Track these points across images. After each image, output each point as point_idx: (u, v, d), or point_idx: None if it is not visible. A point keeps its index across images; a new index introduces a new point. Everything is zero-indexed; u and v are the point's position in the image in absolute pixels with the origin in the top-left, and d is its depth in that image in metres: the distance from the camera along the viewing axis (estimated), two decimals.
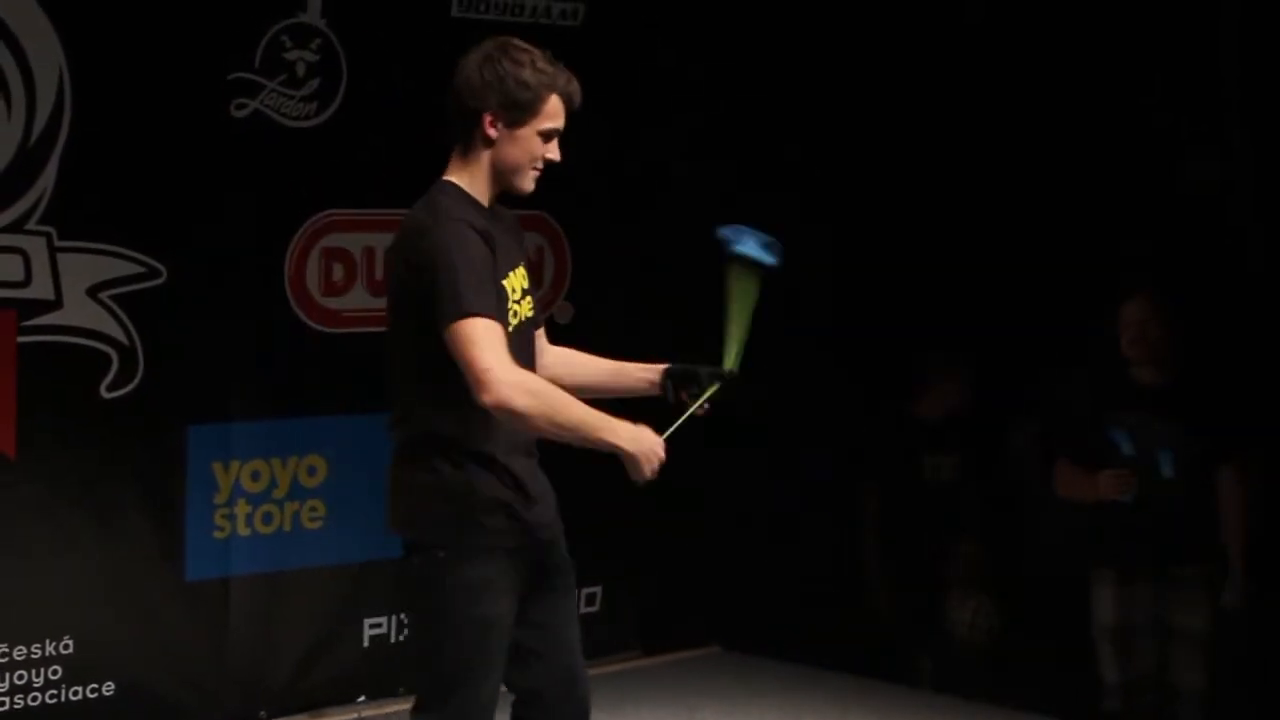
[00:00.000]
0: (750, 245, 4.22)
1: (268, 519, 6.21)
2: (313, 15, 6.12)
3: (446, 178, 4.14)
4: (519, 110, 4.06)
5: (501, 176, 4.11)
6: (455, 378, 3.95)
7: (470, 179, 4.12)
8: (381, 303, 6.20)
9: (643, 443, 4.00)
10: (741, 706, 6.54)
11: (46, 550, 5.76)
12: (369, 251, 6.38)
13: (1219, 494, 6.04)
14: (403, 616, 6.45)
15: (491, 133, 4.07)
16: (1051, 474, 6.33)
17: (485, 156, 4.10)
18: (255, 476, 6.18)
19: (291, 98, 6.11)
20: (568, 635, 4.27)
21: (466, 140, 4.10)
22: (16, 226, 5.63)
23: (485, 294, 3.95)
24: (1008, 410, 6.94)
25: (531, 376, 3.98)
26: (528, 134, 4.07)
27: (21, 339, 5.65)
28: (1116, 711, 6.18)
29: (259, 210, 6.11)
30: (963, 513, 7.12)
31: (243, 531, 6.16)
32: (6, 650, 5.72)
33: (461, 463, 4.04)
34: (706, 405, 4.22)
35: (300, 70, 6.12)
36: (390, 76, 6.32)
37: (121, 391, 5.85)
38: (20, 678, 5.75)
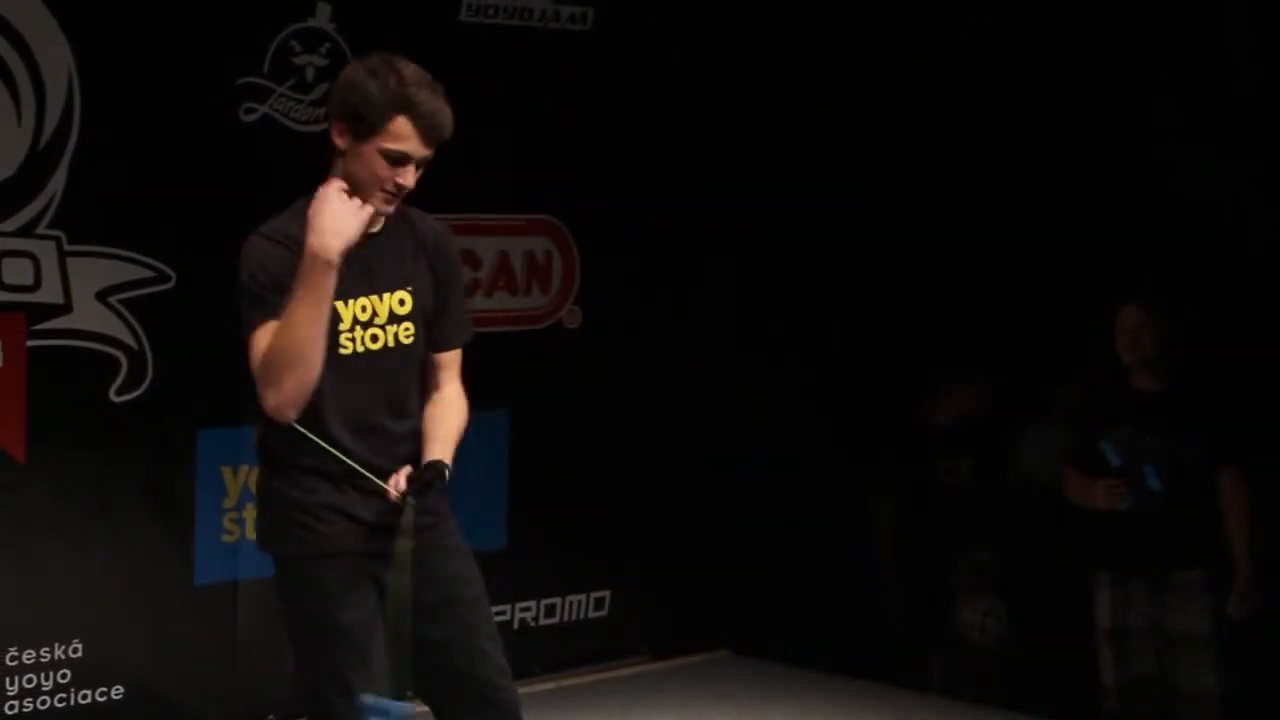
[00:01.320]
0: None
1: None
2: (322, 20, 6.14)
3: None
4: (359, 124, 3.96)
5: (354, 190, 4.00)
6: None
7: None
8: None
9: (318, 235, 3.87)
10: (750, 711, 6.54)
11: (55, 554, 5.76)
12: None
13: (1221, 498, 6.05)
14: None
15: (339, 142, 4.01)
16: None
17: (340, 171, 4.04)
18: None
19: (300, 102, 6.11)
20: (474, 641, 4.15)
21: (330, 154, 4.08)
22: (26, 230, 5.63)
23: (268, 307, 3.92)
24: (1024, 413, 6.93)
25: (260, 369, 3.89)
26: (369, 151, 3.96)
27: (31, 343, 5.66)
28: (1116, 713, 6.19)
29: (268, 214, 6.01)
30: (978, 516, 7.12)
31: (252, 536, 6.10)
32: (15, 654, 5.72)
33: (287, 471, 4.03)
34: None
35: (309, 75, 6.12)
36: None
37: (131, 395, 5.86)
38: (29, 681, 5.75)
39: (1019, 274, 7.01)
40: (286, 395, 3.88)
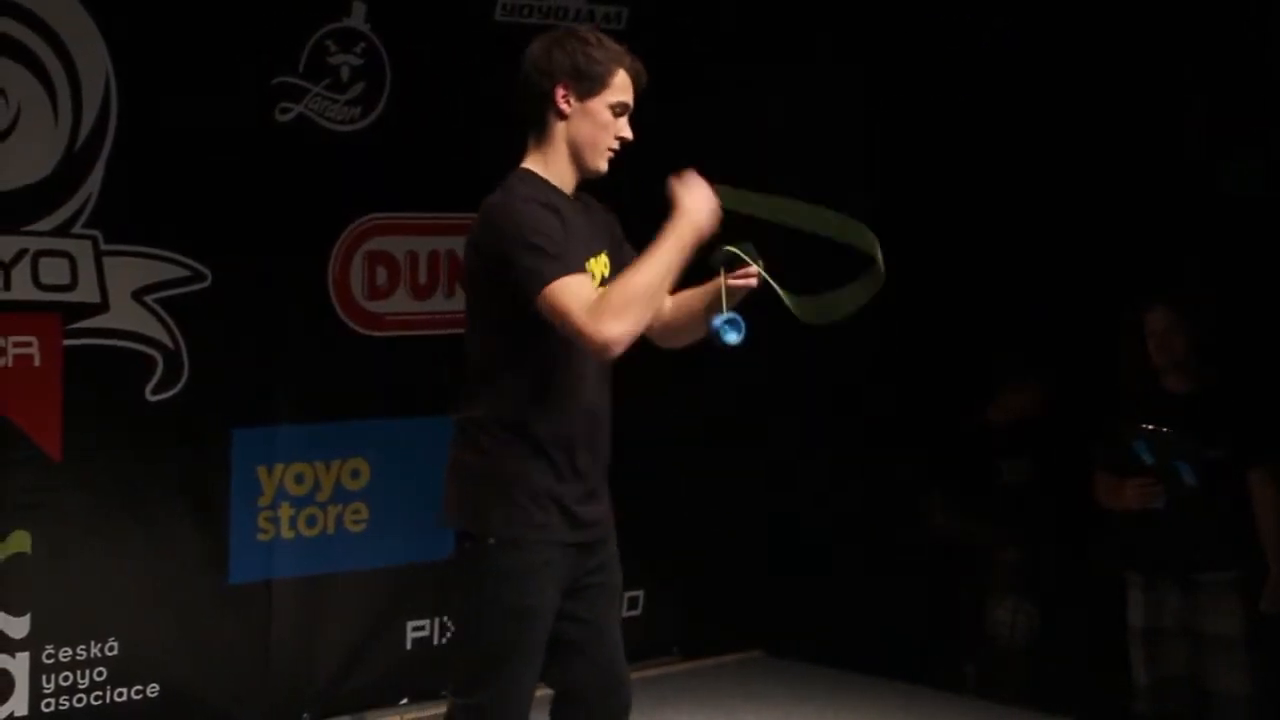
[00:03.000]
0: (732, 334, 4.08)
1: (311, 522, 6.27)
2: (357, 20, 6.19)
3: (523, 165, 4.19)
4: (590, 81, 4.12)
5: (578, 156, 4.15)
6: (521, 364, 4.04)
7: (546, 164, 4.17)
8: (424, 306, 6.43)
9: (695, 212, 4.01)
10: (783, 712, 6.57)
11: (91, 552, 5.82)
12: (412, 255, 6.44)
13: (1252, 498, 6.08)
14: (445, 619, 6.52)
15: (565, 107, 4.13)
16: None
17: (560, 136, 4.14)
18: (299, 479, 6.26)
19: (335, 102, 6.17)
20: (612, 634, 4.28)
21: (540, 123, 4.16)
22: (63, 230, 5.69)
23: (560, 260, 3.97)
24: (1085, 413, 6.97)
25: (607, 298, 3.91)
26: (599, 107, 4.13)
27: (67, 342, 5.71)
28: (1146, 713, 6.23)
29: (303, 214, 6.15)
30: (1035, 516, 7.12)
31: (286, 534, 6.22)
32: (53, 652, 5.78)
33: (517, 450, 4.08)
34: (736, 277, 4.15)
35: (344, 74, 6.17)
36: (434, 80, 6.37)
37: (166, 395, 5.92)
38: (65, 679, 5.81)
39: (1068, 274, 6.99)
40: (634, 326, 3.93)
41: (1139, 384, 6.26)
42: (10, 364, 5.65)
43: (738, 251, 4.15)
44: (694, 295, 4.29)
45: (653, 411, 6.78)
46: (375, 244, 6.39)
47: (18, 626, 5.75)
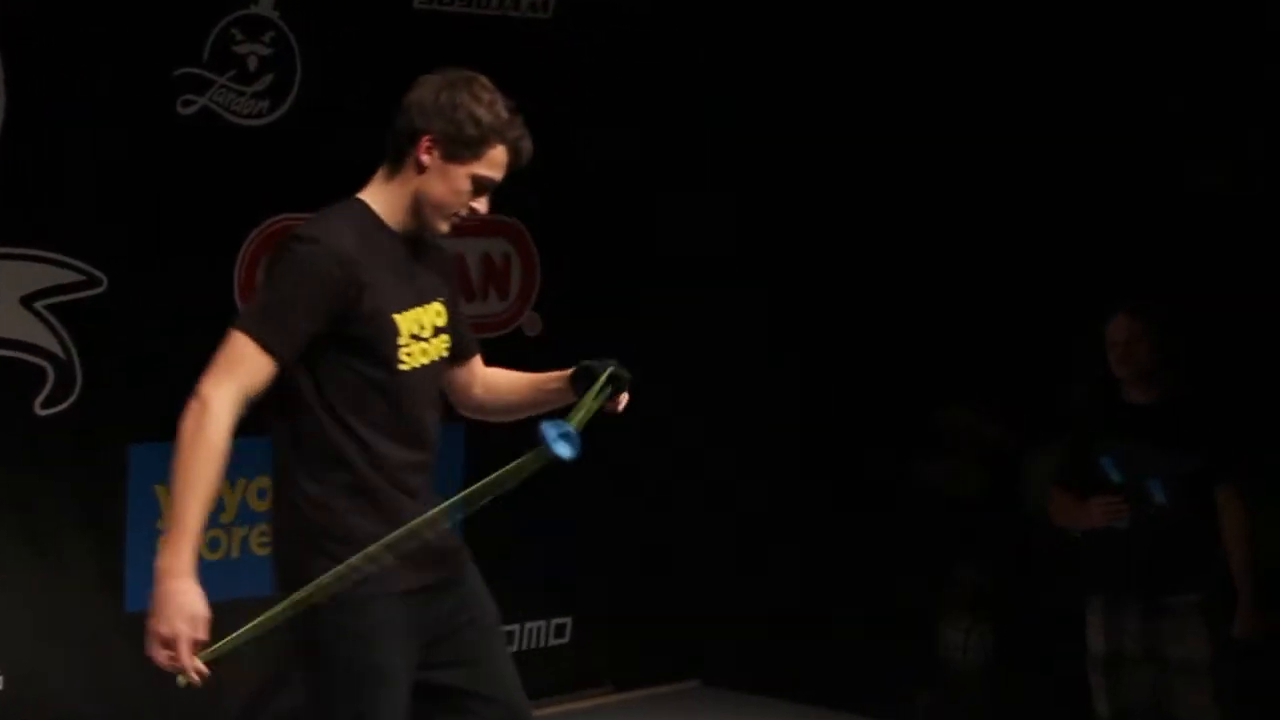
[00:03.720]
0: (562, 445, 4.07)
1: (214, 545, 6.18)
2: (265, 7, 6.14)
3: (359, 195, 4.08)
4: (461, 145, 4.00)
5: (420, 209, 4.03)
6: (333, 399, 3.96)
7: (385, 201, 4.05)
8: None
9: (170, 618, 3.82)
10: None
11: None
12: None
13: (1220, 517, 6.05)
14: None
15: (425, 159, 4.01)
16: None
17: (411, 183, 4.03)
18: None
19: (242, 94, 6.12)
20: (500, 668, 4.19)
21: (397, 160, 4.05)
22: None
23: (281, 326, 3.88)
24: (1031, 428, 6.97)
25: (215, 419, 3.85)
26: (461, 174, 4.01)
27: None
28: None
29: (208, 214, 6.10)
30: (992, 533, 7.17)
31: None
32: None
33: (334, 497, 3.99)
34: (607, 401, 4.19)
35: (252, 65, 6.12)
36: (348, 72, 6.34)
37: (57, 409, 5.85)
38: None
39: (1018, 286, 7.00)
40: (177, 438, 3.89)
41: (1100, 397, 6.23)
42: None
43: (623, 375, 4.15)
44: (531, 384, 4.32)
45: (585, 441, 6.82)
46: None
47: None
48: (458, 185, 4.01)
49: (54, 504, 5.86)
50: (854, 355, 7.29)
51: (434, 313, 4.10)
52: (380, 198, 4.06)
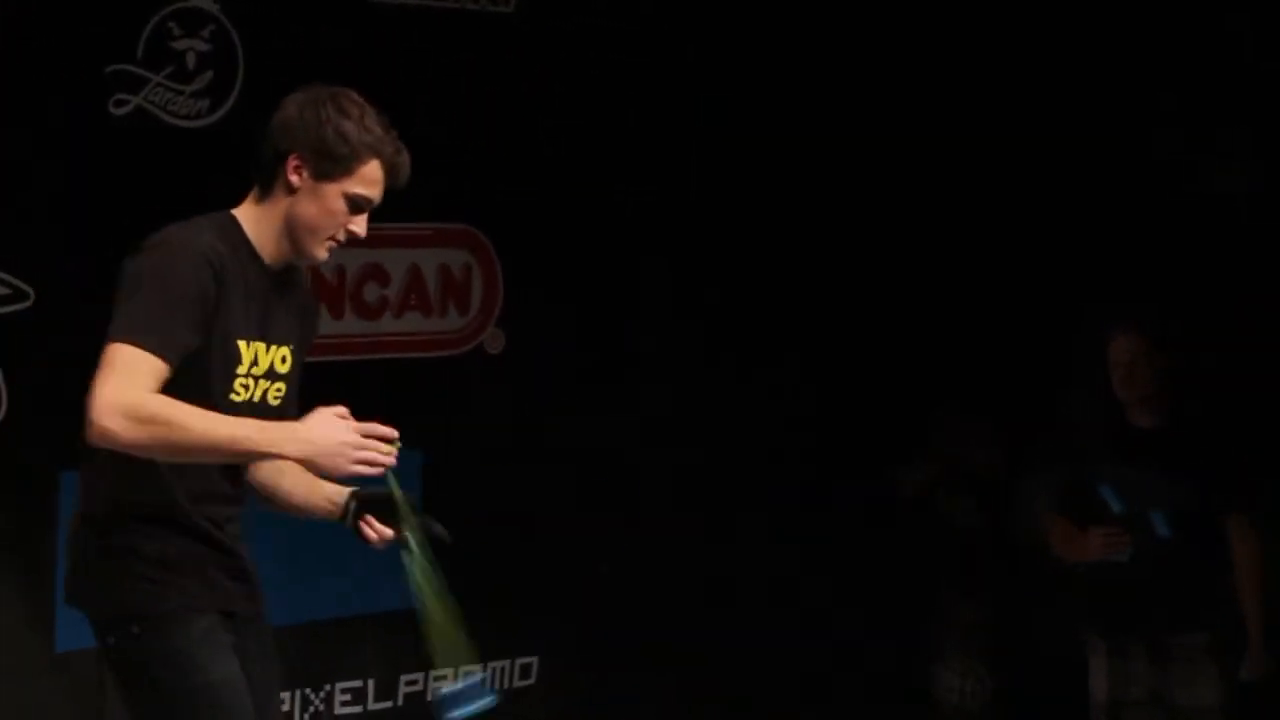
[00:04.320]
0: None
1: None
2: None
3: (235, 210, 4.13)
4: (330, 162, 4.04)
5: (293, 234, 4.08)
6: None
7: (257, 225, 4.10)
8: None
9: (320, 438, 3.94)
10: None
11: None
12: None
13: (1230, 548, 6.04)
14: (308, 691, 6.49)
15: (294, 179, 4.06)
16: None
17: (282, 206, 4.08)
18: None
19: (180, 93, 6.08)
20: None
21: (267, 183, 4.10)
22: None
23: (163, 327, 3.91)
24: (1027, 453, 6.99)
25: (150, 398, 3.86)
26: (332, 192, 4.05)
27: None
28: None
29: (143, 222, 5.92)
30: (980, 566, 7.24)
31: None
32: None
33: (142, 525, 4.02)
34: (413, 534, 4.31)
35: (190, 62, 6.09)
36: (295, 69, 6.15)
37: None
38: None
39: (1013, 290, 7.20)
40: (132, 443, 3.85)
41: (1102, 420, 6.21)
42: None
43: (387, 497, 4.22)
44: (308, 484, 4.26)
45: (545, 454, 6.78)
46: None
47: None
48: (330, 205, 4.05)
49: None
50: (842, 364, 7.38)
51: (278, 357, 4.13)
52: (252, 219, 4.11)
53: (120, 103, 5.91)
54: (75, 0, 5.80)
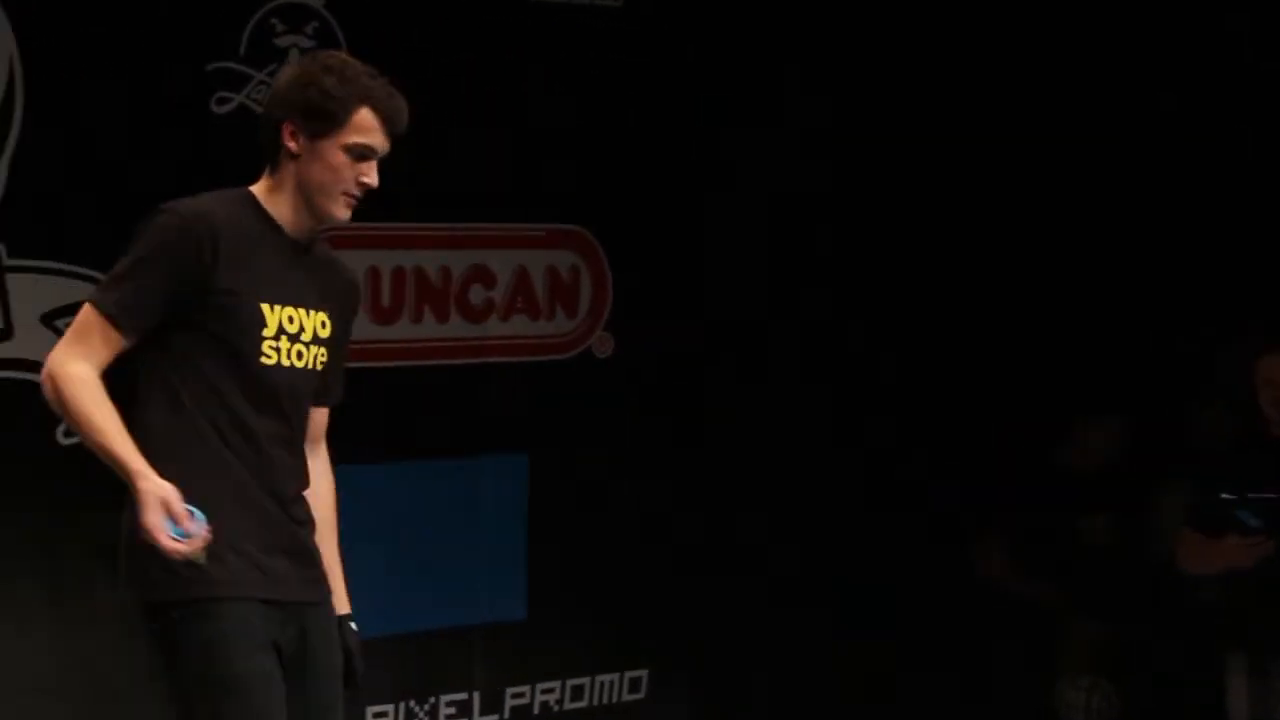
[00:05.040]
0: None
1: None
2: None
3: (250, 187, 4.22)
4: (321, 120, 4.11)
5: (309, 199, 4.16)
6: (177, 391, 4.08)
7: (272, 198, 4.18)
8: (386, 332, 6.41)
9: (148, 506, 3.94)
10: None
11: None
12: (373, 272, 6.36)
13: None
14: (411, 703, 6.52)
15: (291, 145, 4.14)
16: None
17: (290, 175, 4.17)
18: None
19: None
20: None
21: (273, 158, 4.19)
22: None
23: (126, 292, 4.03)
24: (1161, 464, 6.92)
25: (72, 375, 4.02)
26: (330, 149, 4.12)
27: None
28: None
29: None
30: (1117, 582, 7.16)
31: None
32: None
33: (192, 505, 4.03)
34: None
35: (293, 59, 5.98)
36: (398, 66, 6.19)
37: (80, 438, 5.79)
38: None
39: (1153, 296, 7.19)
40: (53, 404, 4.06)
41: (1242, 437, 6.21)
42: None
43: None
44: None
45: (654, 459, 6.89)
46: None
47: None
48: (332, 161, 4.12)
49: (77, 546, 5.76)
50: (959, 376, 7.35)
51: (317, 321, 4.21)
52: (265, 192, 4.19)
53: (223, 100, 5.96)
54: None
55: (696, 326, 6.94)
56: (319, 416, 4.38)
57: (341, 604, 4.33)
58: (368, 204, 6.24)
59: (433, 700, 6.57)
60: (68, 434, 5.74)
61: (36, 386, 5.61)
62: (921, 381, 7.34)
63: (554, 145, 6.61)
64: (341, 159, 4.11)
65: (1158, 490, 7.10)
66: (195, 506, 3.96)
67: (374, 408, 6.25)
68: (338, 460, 6.28)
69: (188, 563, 3.92)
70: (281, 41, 6.06)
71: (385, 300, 6.38)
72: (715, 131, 6.94)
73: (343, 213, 4.18)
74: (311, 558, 4.22)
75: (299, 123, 4.11)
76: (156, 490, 3.90)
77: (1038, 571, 7.26)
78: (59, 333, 5.70)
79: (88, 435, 4.00)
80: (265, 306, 4.09)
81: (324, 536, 4.31)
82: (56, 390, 4.02)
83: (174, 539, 3.87)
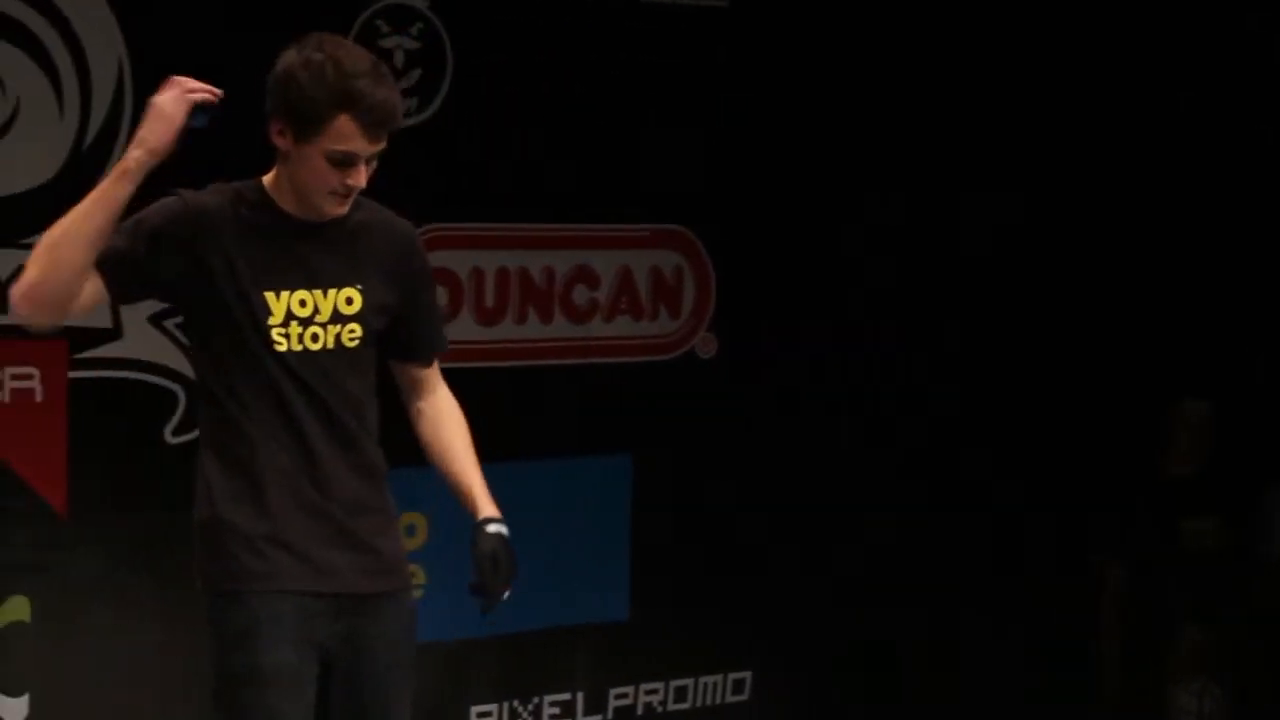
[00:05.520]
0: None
1: None
2: None
3: (262, 177, 4.17)
4: (302, 124, 4.00)
5: (297, 193, 4.09)
6: (211, 379, 4.08)
7: (276, 185, 4.13)
8: (490, 333, 6.46)
9: (156, 104, 3.97)
10: None
11: (101, 622, 5.76)
12: (477, 273, 6.42)
13: None
14: (514, 703, 6.59)
15: (280, 143, 4.06)
16: None
17: (284, 169, 4.10)
18: None
19: None
20: None
21: (271, 144, 4.11)
22: None
23: (110, 242, 3.96)
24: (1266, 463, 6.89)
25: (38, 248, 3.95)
26: (313, 154, 4.01)
27: (73, 374, 5.69)
28: None
29: None
30: (1226, 587, 7.10)
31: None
32: None
33: (225, 487, 4.08)
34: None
35: (399, 60, 6.14)
36: (503, 67, 6.34)
37: (189, 435, 5.78)
38: None
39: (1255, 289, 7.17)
40: (36, 275, 3.97)
41: None
42: (8, 399, 5.63)
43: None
44: (454, 481, 4.36)
45: (757, 459, 6.87)
46: (433, 259, 6.23)
47: (14, 709, 5.72)
48: (314, 165, 4.02)
49: (185, 542, 5.58)
50: (1070, 365, 7.30)
51: (341, 299, 4.12)
52: (272, 180, 4.14)
53: None
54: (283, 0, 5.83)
55: (799, 326, 6.92)
56: (419, 370, 4.34)
57: (486, 507, 4.29)
58: (471, 204, 6.39)
59: (536, 700, 6.61)
60: (176, 432, 5.88)
61: (146, 385, 5.85)
62: (1021, 397, 7.33)
63: (657, 145, 6.62)
64: (323, 165, 4.01)
65: (1265, 490, 7.07)
66: (243, 498, 4.02)
67: (477, 408, 6.29)
68: None
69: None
70: (386, 43, 6.08)
71: (489, 301, 6.43)
72: (818, 130, 6.92)
73: (335, 209, 4.08)
74: (371, 548, 4.15)
75: (285, 123, 4.03)
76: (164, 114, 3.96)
77: (1150, 579, 7.19)
78: (167, 333, 5.82)
79: (72, 229, 3.93)
80: (270, 295, 4.04)
81: (459, 455, 4.32)
82: (31, 277, 3.95)
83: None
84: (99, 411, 5.73)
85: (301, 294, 4.08)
